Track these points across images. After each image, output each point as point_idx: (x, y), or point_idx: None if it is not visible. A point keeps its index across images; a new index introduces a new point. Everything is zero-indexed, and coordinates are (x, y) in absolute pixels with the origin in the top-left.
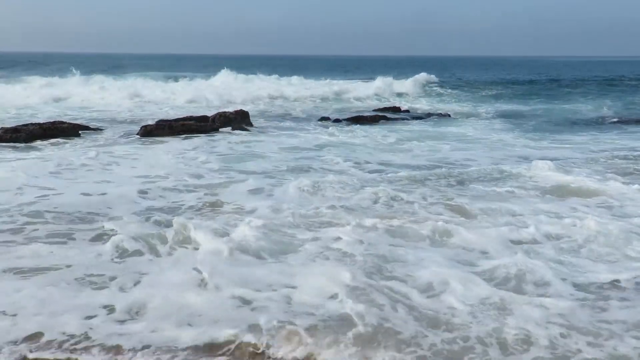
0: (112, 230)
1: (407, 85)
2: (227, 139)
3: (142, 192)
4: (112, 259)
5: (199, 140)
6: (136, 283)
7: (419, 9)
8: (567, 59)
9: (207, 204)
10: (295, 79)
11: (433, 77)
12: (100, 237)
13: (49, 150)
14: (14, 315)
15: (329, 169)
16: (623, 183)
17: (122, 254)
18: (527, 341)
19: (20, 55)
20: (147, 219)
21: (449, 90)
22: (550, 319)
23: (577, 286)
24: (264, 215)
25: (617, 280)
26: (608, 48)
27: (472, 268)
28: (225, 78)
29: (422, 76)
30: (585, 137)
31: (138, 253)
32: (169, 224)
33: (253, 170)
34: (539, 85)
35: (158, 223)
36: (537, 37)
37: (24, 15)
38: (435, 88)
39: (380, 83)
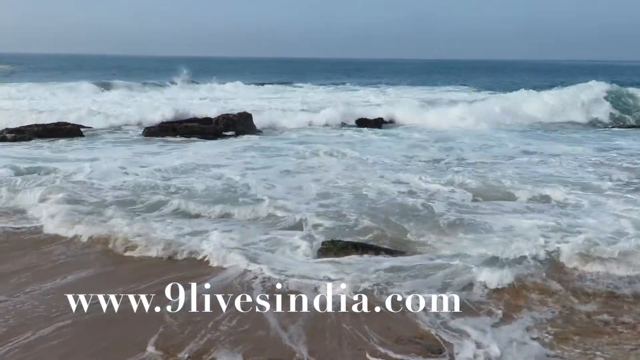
0: None
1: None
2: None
3: None
4: None
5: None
6: None
7: (419, 13)
8: (571, 63)
9: None
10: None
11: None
12: None
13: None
14: None
15: None
16: None
17: None
18: None
19: (26, 56)
20: None
21: None
22: None
23: None
24: None
25: None
26: (611, 52)
27: None
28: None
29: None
30: None
31: None
32: None
33: None
34: None
35: None
36: (537, 41)
37: (26, 16)
38: None
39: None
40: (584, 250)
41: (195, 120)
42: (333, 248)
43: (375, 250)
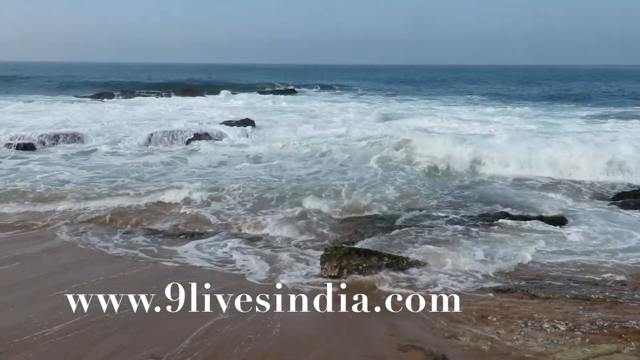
0: None
1: None
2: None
3: None
4: None
5: None
6: None
7: (420, 17)
8: (573, 67)
9: None
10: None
11: None
12: None
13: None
14: None
15: None
16: None
17: None
18: None
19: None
20: None
21: None
22: None
23: None
24: None
25: None
26: (613, 56)
27: None
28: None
29: None
30: None
31: None
32: None
33: None
34: None
35: None
36: (539, 45)
37: (31, 24)
38: None
39: None
40: None
41: None
42: (336, 254)
43: (379, 256)
